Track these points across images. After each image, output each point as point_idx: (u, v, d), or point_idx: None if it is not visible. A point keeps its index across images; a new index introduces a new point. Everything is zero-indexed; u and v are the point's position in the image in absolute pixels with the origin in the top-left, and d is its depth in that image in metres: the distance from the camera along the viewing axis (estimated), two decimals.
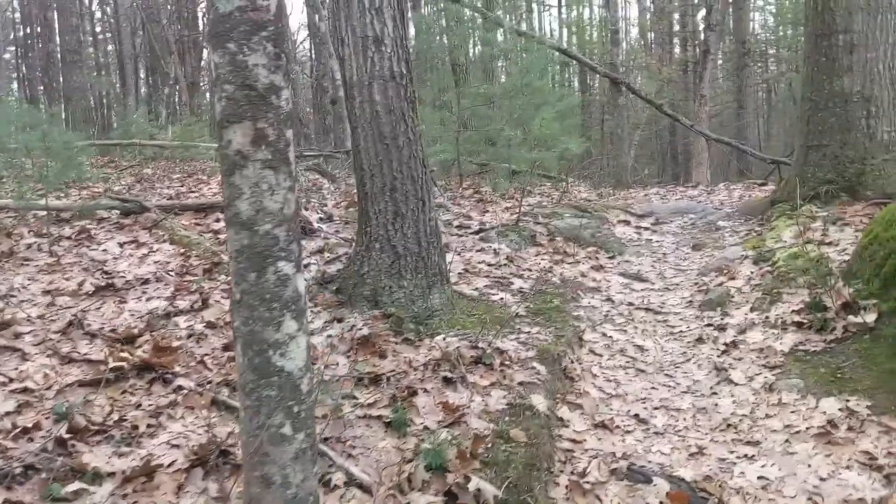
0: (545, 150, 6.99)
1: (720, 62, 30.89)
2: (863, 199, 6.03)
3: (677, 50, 27.40)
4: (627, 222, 7.35)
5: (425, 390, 3.77)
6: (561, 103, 9.22)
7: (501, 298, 5.09)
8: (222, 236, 5.72)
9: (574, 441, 3.69)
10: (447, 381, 3.90)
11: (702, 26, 25.02)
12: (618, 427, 3.86)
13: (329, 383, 3.71)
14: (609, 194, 10.01)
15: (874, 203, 5.94)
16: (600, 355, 4.62)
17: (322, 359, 3.95)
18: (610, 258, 6.31)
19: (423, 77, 10.99)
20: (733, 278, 5.41)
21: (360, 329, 4.25)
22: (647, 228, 7.24)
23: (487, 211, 7.01)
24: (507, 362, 4.11)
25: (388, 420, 3.45)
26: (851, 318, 4.26)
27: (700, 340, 4.73)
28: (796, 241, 5.47)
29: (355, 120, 4.51)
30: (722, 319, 4.94)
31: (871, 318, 4.18)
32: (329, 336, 4.20)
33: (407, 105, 4.49)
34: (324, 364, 3.90)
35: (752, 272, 5.38)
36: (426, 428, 3.46)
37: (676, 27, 27.56)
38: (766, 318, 4.71)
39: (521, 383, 3.96)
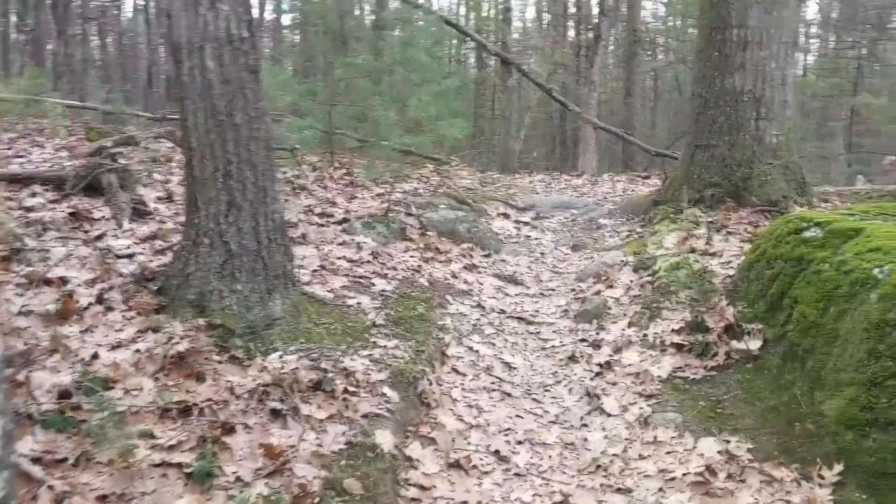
0: (422, 133, 6.38)
1: (611, 48, 31.18)
2: (748, 206, 5.76)
3: (571, 33, 27.31)
4: (507, 216, 6.87)
5: (246, 426, 3.11)
6: (447, 81, 8.63)
7: (359, 303, 4.47)
8: (34, 214, 4.82)
9: (422, 488, 3.14)
10: (275, 414, 3.26)
11: (595, 11, 25.05)
12: (475, 467, 3.34)
13: (123, 416, 2.99)
14: (492, 181, 9.53)
15: (759, 210, 5.68)
16: (464, 374, 4.09)
17: (122, 382, 3.22)
18: (485, 256, 5.80)
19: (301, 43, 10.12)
20: (612, 286, 5.01)
21: (178, 343, 3.52)
22: (527, 224, 6.79)
23: (356, 197, 6.35)
24: (352, 387, 3.51)
25: (189, 469, 2.78)
26: (735, 343, 3.90)
27: (573, 359, 4.28)
28: (679, 250, 5.11)
29: (183, 89, 3.74)
30: (597, 334, 4.51)
31: (754, 344, 3.83)
32: (137, 351, 3.46)
33: (247, 75, 3.76)
34: (123, 389, 3.18)
35: (631, 281, 4.99)
36: (239, 479, 2.82)
37: (572, 9, 27.50)
38: (645, 335, 4.31)
39: (366, 415, 3.37)
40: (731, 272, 4.57)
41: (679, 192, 6.17)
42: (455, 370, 4.12)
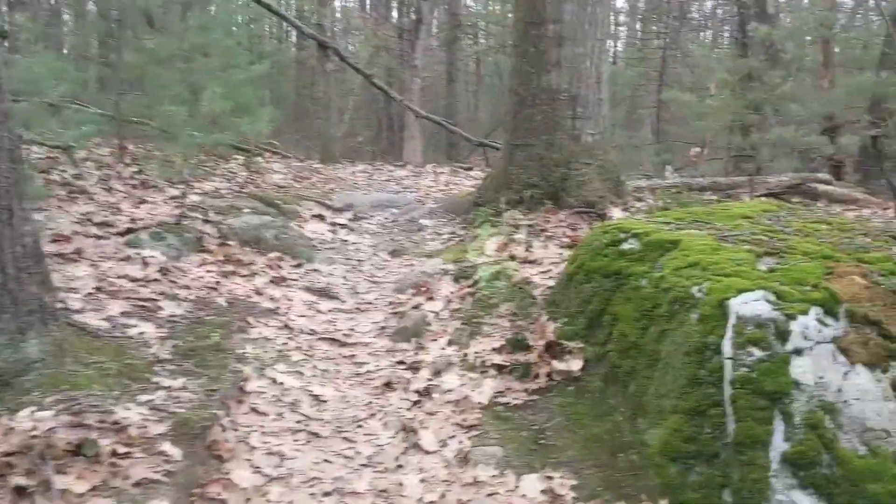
0: (217, 129, 5.72)
1: (435, 31, 31.21)
2: (567, 207, 5.66)
3: (395, 15, 26.95)
4: (322, 217, 6.39)
5: None
6: (256, 67, 7.97)
7: (141, 333, 3.85)
8: None
9: None
10: (20, 493, 2.64)
11: None
12: None
13: None
14: (310, 174, 8.97)
15: (577, 212, 5.58)
16: (265, 414, 3.61)
17: None
18: (296, 267, 5.30)
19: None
20: (432, 298, 4.69)
21: None
22: (344, 226, 6.34)
23: (146, 201, 5.62)
24: (124, 447, 2.93)
25: None
26: (556, 363, 3.69)
27: (389, 386, 3.92)
28: (499, 257, 4.89)
29: None
30: (416, 355, 4.17)
31: (575, 365, 3.63)
32: None
33: None
34: None
35: (451, 292, 4.70)
36: None
37: None
38: (465, 355, 4.02)
39: (139, 482, 2.82)
40: (552, 282, 4.38)
41: (499, 192, 5.97)
42: (255, 410, 3.62)
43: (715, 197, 7.79)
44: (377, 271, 5.45)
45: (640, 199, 6.30)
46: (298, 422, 3.60)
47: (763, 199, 6.70)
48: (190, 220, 5.22)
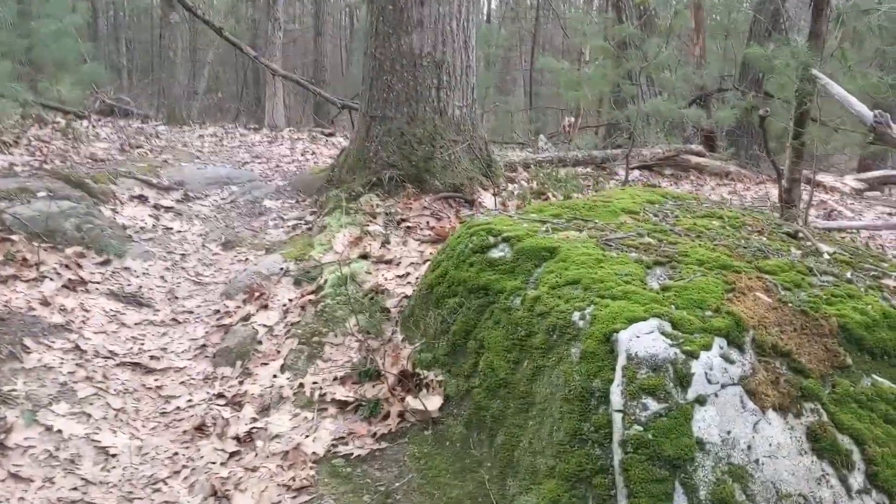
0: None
1: None
2: (431, 191, 4.94)
3: None
4: (144, 199, 5.37)
5: None
6: (72, 18, 6.79)
7: None
8: None
9: None
10: None
11: None
12: None
13: None
14: (147, 139, 7.81)
15: (443, 197, 4.88)
16: (28, 481, 2.73)
17: None
18: (102, 265, 4.32)
19: None
20: (266, 307, 3.88)
21: None
22: (170, 209, 5.36)
23: None
24: None
25: None
26: (410, 399, 3.00)
27: (202, 430, 3.11)
28: (350, 254, 4.13)
29: None
30: (240, 385, 3.38)
31: (433, 403, 2.96)
32: None
33: None
34: None
35: (290, 300, 3.91)
36: None
37: None
38: (301, 386, 3.27)
39: None
40: (410, 290, 3.68)
41: (355, 171, 5.18)
42: (15, 475, 2.74)
43: (589, 170, 7.32)
44: (204, 269, 4.56)
45: (512, 181, 5.67)
46: (74, 489, 2.75)
47: (643, 183, 6.27)
48: None
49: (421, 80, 5.06)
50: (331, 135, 10.21)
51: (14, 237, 4.09)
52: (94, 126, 8.13)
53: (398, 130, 5.09)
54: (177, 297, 4.20)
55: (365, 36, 5.38)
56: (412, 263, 3.96)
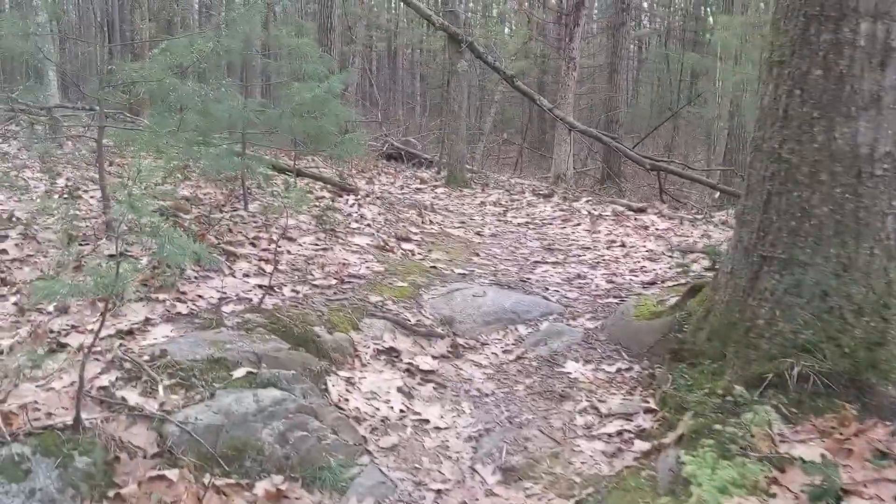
0: None
1: (595, 14, 27.74)
2: (883, 410, 2.61)
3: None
4: (396, 356, 3.59)
5: None
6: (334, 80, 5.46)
7: None
8: None
9: None
10: None
11: None
12: None
13: None
14: (402, 233, 6.25)
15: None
16: None
17: None
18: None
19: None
20: None
21: None
22: (428, 375, 3.50)
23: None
24: None
25: None
26: None
27: None
28: None
29: None
30: None
31: None
32: None
33: None
34: None
35: None
36: None
37: None
38: None
39: None
40: None
41: (725, 344, 3.02)
42: None
43: None
44: None
45: None
46: None
47: None
48: (112, 411, 2.63)
49: (869, 200, 2.76)
50: (640, 210, 8.06)
51: (173, 472, 2.49)
52: (359, 204, 6.77)
53: (817, 287, 2.83)
54: None
55: (754, 119, 3.18)
56: None
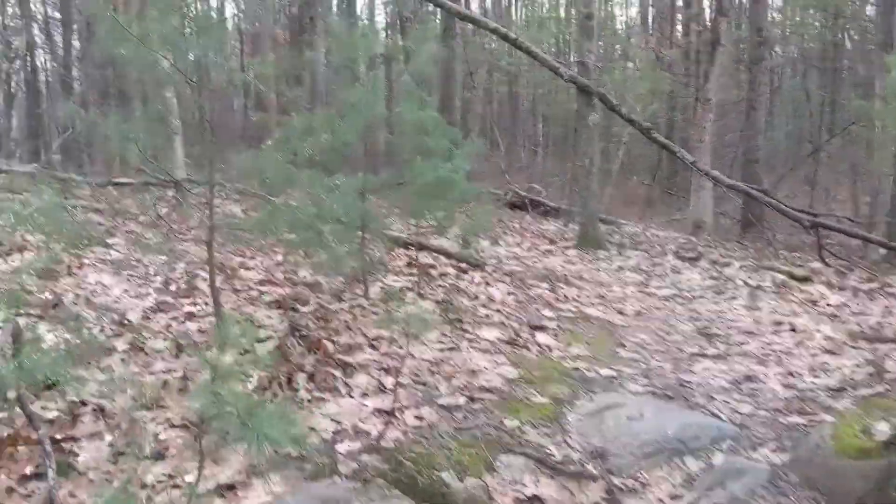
0: None
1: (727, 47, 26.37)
2: None
3: (679, 35, 22.95)
4: None
5: None
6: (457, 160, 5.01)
7: None
8: None
9: None
10: None
11: (708, 8, 20.51)
12: None
13: None
14: (542, 322, 5.62)
15: None
16: None
17: None
18: None
19: None
20: None
21: None
22: None
23: None
24: None
25: None
26: None
27: None
28: None
29: None
30: None
31: None
32: None
33: None
34: None
35: None
36: None
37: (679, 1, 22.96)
38: None
39: None
40: None
41: None
42: None
43: None
44: None
45: None
46: None
47: None
48: None
49: None
50: (804, 279, 7.07)
51: None
52: (486, 283, 6.23)
53: None
54: None
55: None
56: None
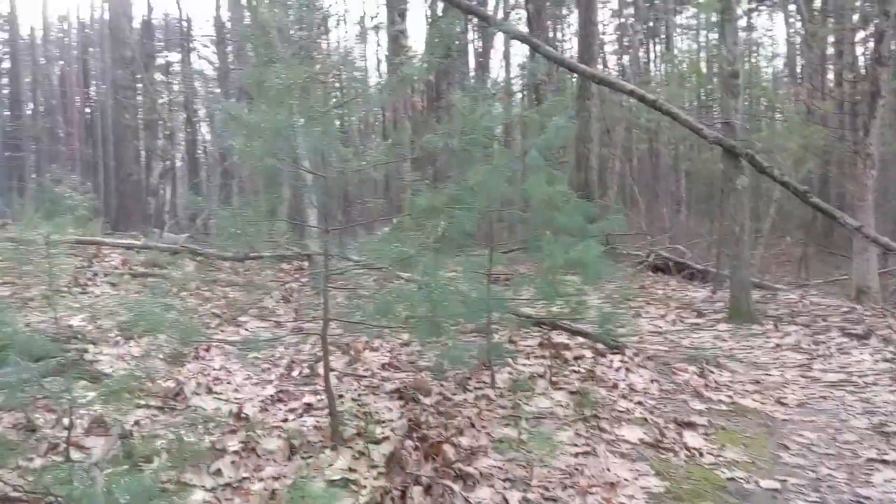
0: None
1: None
2: None
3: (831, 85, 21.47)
4: None
5: None
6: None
7: None
8: None
9: None
10: None
11: (863, 57, 19.08)
12: None
13: None
14: (691, 418, 5.02)
15: None
16: None
17: None
18: None
19: None
20: None
21: None
22: None
23: None
24: None
25: None
26: None
27: None
28: None
29: None
30: None
31: None
32: None
33: None
34: None
35: None
36: None
37: (830, 49, 21.52)
38: None
39: None
40: None
41: None
42: None
43: None
44: None
45: None
46: None
47: None
48: None
49: None
50: None
51: None
52: (626, 369, 5.69)
53: None
54: None
55: None
56: None
